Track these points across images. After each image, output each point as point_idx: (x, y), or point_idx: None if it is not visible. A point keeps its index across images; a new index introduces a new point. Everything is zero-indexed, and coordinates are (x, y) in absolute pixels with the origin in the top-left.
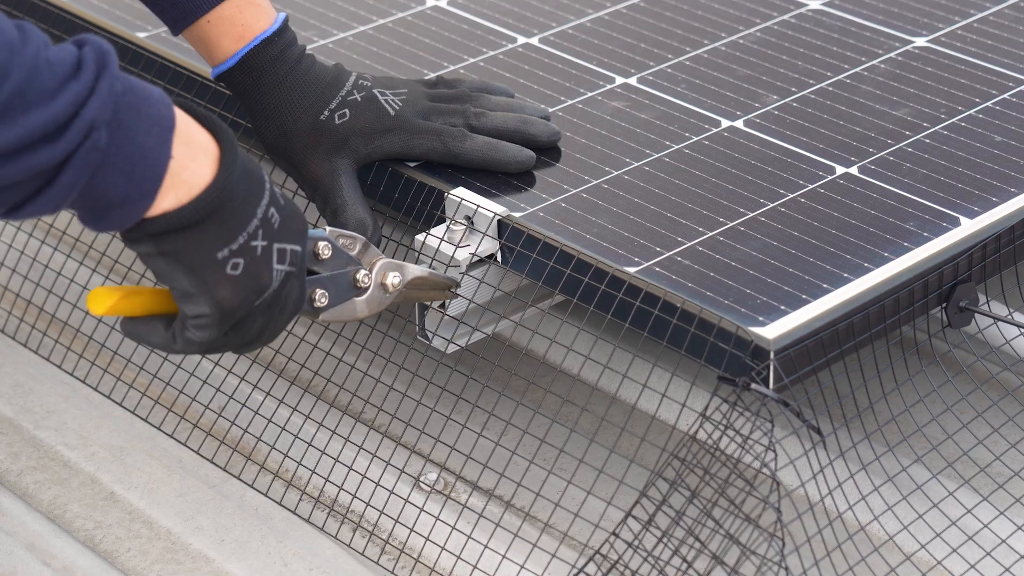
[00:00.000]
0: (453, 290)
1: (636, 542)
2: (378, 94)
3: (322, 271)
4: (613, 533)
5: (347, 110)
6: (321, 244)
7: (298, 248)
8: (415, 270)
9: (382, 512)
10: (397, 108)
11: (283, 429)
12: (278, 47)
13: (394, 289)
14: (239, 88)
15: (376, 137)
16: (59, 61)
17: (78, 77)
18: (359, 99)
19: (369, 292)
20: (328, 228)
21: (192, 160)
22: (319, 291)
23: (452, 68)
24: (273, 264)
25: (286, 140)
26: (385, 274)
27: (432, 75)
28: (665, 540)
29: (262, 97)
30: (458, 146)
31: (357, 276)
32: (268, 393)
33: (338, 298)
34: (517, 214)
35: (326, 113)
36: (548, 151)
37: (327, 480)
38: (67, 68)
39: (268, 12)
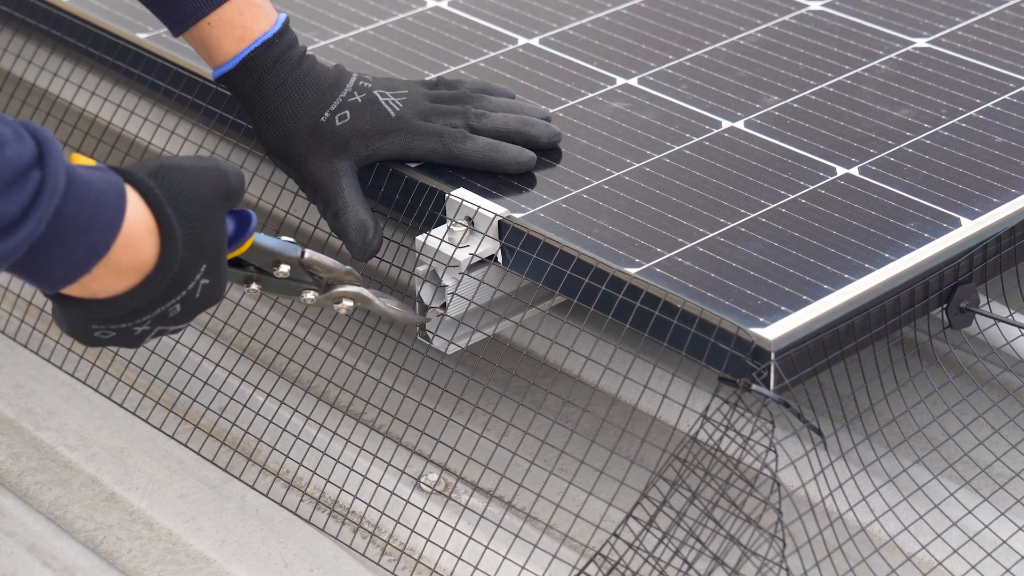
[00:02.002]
0: (424, 327)
1: (637, 543)
2: (379, 95)
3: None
4: (614, 534)
5: (348, 112)
6: (283, 267)
7: (212, 289)
8: (381, 310)
9: (383, 513)
10: (398, 109)
11: (284, 430)
12: (279, 49)
13: (346, 311)
14: (239, 90)
15: (377, 138)
16: (16, 158)
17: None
18: (360, 100)
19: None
20: (308, 252)
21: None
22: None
23: (453, 69)
24: (148, 336)
25: (287, 142)
26: (340, 298)
27: (433, 76)
28: (666, 541)
29: (263, 99)
30: (459, 147)
31: (307, 295)
32: (269, 394)
33: (273, 288)
34: (518, 215)
35: (327, 115)
36: (549, 152)
37: (328, 481)
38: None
39: (269, 14)
